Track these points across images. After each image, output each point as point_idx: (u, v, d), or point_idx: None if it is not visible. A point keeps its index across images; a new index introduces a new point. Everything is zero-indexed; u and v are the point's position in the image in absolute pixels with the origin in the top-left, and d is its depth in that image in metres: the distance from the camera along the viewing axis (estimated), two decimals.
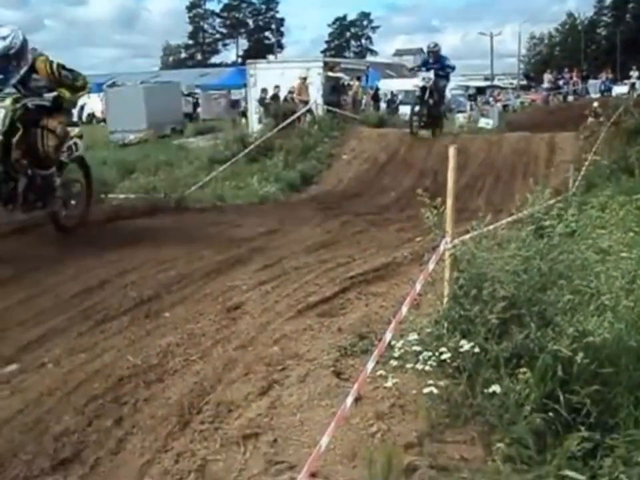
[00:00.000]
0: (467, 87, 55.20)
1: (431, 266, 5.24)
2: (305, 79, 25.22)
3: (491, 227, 5.96)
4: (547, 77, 45.71)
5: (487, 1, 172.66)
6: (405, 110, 34.89)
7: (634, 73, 45.43)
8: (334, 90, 26.02)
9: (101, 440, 4.74)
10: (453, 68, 22.26)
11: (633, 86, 43.56)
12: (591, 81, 48.36)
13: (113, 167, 21.52)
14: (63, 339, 6.60)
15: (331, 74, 26.19)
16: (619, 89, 43.83)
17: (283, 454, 4.38)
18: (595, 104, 26.11)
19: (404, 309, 4.96)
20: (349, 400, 4.14)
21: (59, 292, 7.89)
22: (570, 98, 41.59)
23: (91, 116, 52.08)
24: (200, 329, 6.64)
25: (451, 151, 5.48)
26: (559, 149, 19.83)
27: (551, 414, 4.32)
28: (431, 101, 21.25)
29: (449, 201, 5.41)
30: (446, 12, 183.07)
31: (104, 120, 42.06)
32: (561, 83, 44.13)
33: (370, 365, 4.47)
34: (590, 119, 22.66)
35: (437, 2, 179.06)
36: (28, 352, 6.34)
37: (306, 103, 24.44)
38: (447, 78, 22.09)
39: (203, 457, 4.41)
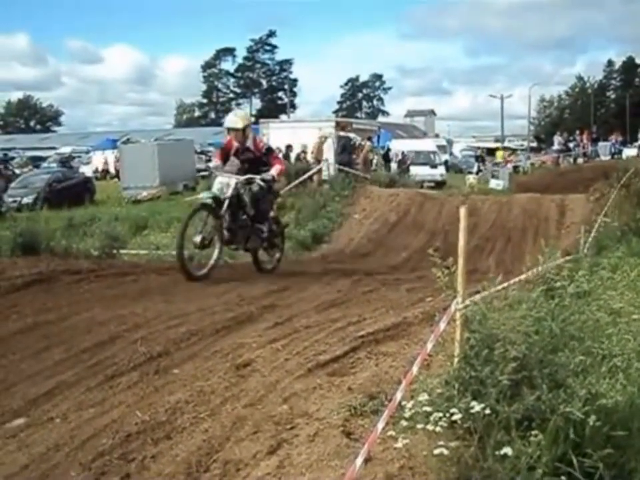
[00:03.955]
0: (478, 148, 55.73)
1: (442, 326, 5.22)
2: (325, 138, 25.43)
3: (501, 287, 5.95)
4: (557, 139, 46.02)
5: (495, 64, 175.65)
6: (415, 170, 35.22)
7: None
8: (345, 150, 26.24)
9: None
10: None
11: None
12: (601, 143, 48.66)
13: (125, 223, 21.66)
14: (72, 393, 6.59)
15: (342, 134, 26.44)
16: (629, 151, 44.08)
17: None
18: None
19: (414, 369, 4.93)
20: (359, 461, 4.11)
21: (69, 345, 7.90)
22: (580, 160, 41.75)
23: (105, 172, 52.72)
24: (209, 386, 6.61)
25: (462, 212, 5.49)
26: (569, 211, 19.91)
27: (563, 477, 4.26)
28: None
29: (460, 261, 5.41)
30: (455, 74, 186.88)
31: (117, 176, 42.40)
32: (571, 145, 44.41)
33: (380, 425, 4.44)
34: None
35: (446, 64, 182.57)
36: (36, 406, 6.33)
37: (320, 162, 24.66)
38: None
39: None
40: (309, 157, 25.19)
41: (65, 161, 53.00)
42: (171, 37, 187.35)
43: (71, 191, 32.42)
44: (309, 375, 6.76)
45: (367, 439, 4.49)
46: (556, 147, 45.09)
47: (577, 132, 47.28)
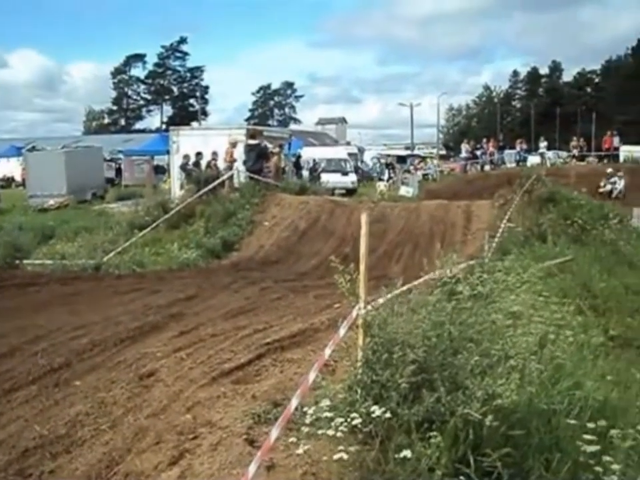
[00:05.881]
0: (388, 156, 56.41)
1: (342, 332, 5.24)
2: (235, 144, 25.37)
3: (404, 290, 6.02)
4: (465, 147, 46.81)
5: (405, 73, 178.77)
6: (326, 177, 35.37)
7: (542, 143, 47.09)
8: (256, 157, 26.15)
9: None
10: None
11: (542, 155, 45.17)
12: (507, 151, 49.91)
13: (30, 233, 21.08)
14: None
15: (252, 141, 26.34)
16: (534, 159, 45.35)
17: None
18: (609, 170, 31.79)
19: (312, 375, 4.93)
20: (252, 468, 4.07)
21: None
22: (487, 167, 42.69)
23: (10, 180, 51.32)
24: (111, 397, 6.48)
25: (363, 217, 5.54)
26: (475, 217, 20.27)
27: (462, 478, 4.33)
28: None
29: (362, 267, 5.45)
30: (366, 83, 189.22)
31: (23, 184, 41.33)
32: (478, 152, 45.26)
33: (274, 432, 4.41)
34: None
35: (357, 73, 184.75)
36: None
37: (231, 168, 24.57)
38: None
39: None
40: (220, 164, 25.01)
41: None
42: (79, 42, 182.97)
43: None
44: (214, 384, 6.71)
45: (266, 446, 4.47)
46: (464, 154, 45.88)
47: (484, 140, 48.15)
